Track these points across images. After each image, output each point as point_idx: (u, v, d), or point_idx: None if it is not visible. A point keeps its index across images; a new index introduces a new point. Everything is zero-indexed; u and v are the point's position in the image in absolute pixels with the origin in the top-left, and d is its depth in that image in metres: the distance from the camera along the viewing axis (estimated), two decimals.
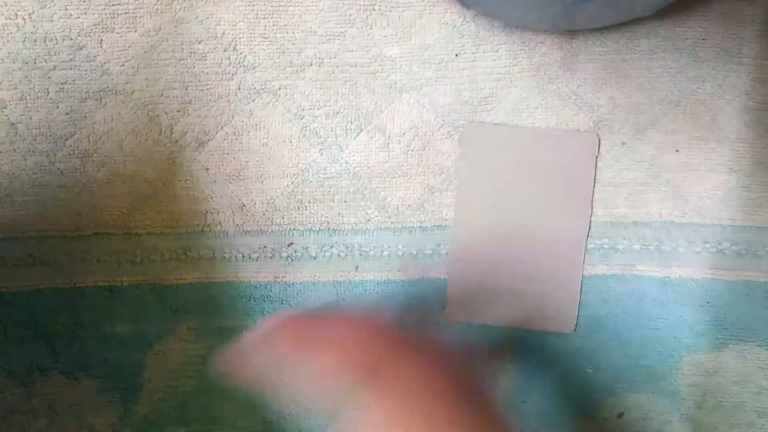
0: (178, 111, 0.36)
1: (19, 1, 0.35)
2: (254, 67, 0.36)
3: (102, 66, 0.35)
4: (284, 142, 0.36)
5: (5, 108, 0.35)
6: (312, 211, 0.37)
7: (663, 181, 0.37)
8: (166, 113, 0.36)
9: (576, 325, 0.37)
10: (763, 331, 0.38)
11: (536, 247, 0.36)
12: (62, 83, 0.35)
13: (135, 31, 0.35)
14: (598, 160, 0.37)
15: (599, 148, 0.36)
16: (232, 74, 0.36)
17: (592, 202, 0.36)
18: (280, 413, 0.36)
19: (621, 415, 0.38)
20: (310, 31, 0.36)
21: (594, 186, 0.35)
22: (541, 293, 0.36)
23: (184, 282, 0.36)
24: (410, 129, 0.37)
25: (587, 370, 0.38)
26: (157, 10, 0.35)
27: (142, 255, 0.36)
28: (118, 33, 0.35)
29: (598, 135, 0.36)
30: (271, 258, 0.37)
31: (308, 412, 0.30)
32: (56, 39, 0.35)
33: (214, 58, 0.36)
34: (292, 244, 0.37)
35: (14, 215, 0.35)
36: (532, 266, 0.36)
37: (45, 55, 0.35)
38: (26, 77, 0.35)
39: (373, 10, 0.36)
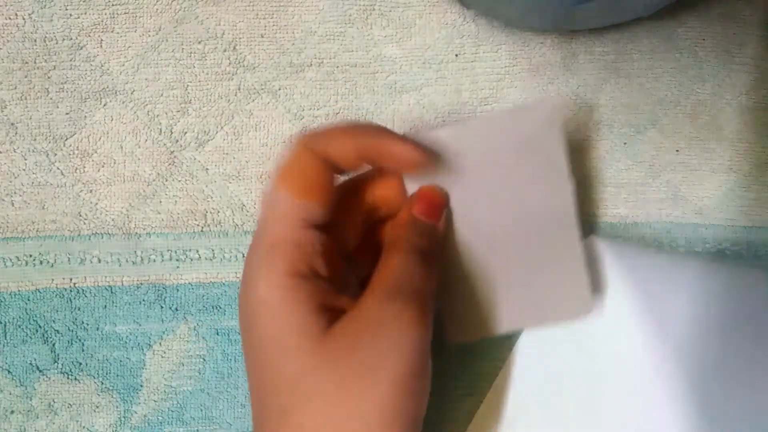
0: (178, 111, 0.36)
1: (19, 1, 0.35)
2: (254, 67, 0.36)
3: (102, 66, 0.35)
4: (284, 142, 0.36)
5: (5, 108, 0.35)
6: None
7: (663, 181, 0.37)
8: (166, 113, 0.36)
9: (593, 305, 0.31)
10: None
11: (524, 236, 0.31)
12: (62, 83, 0.35)
13: (135, 31, 0.35)
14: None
15: (559, 111, 0.34)
16: (232, 74, 0.36)
17: (568, 172, 0.30)
18: None
19: None
20: (310, 31, 0.36)
21: (566, 153, 0.30)
22: (544, 283, 0.31)
23: (184, 282, 0.36)
24: (410, 129, 0.37)
25: None
26: (157, 10, 0.35)
27: (142, 255, 0.36)
28: (118, 33, 0.35)
29: (553, 96, 0.35)
30: None
31: None
32: (56, 39, 0.35)
33: (214, 58, 0.36)
34: None
35: (14, 215, 0.35)
36: (525, 259, 0.31)
37: (45, 55, 0.35)
38: (26, 77, 0.35)
39: (373, 10, 0.36)
